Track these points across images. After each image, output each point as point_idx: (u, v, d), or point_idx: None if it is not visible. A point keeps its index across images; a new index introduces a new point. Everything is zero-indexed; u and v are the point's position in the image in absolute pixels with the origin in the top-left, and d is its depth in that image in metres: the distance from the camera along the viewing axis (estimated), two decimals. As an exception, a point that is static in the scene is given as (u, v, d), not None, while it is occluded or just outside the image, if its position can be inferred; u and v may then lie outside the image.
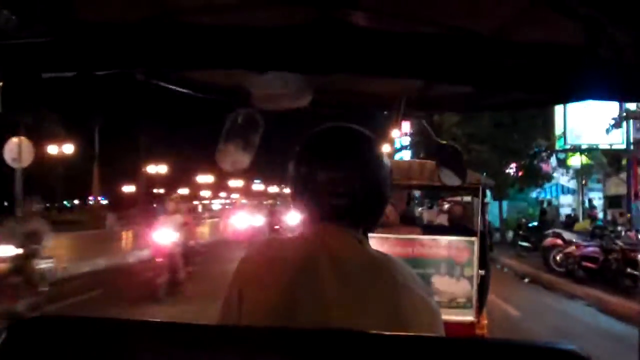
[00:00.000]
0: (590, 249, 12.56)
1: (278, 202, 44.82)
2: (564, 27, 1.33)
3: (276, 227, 24.10)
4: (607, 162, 19.94)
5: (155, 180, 46.03)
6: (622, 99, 1.71)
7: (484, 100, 1.82)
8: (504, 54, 1.39)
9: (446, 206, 13.17)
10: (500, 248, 20.16)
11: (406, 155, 34.66)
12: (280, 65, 1.46)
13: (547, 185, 25.81)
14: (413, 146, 32.85)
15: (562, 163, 24.10)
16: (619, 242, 11.81)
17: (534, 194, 27.58)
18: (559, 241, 14.53)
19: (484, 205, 5.60)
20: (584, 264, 12.30)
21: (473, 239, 5.23)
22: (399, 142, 37.19)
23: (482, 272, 5.15)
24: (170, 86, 1.83)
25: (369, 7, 1.35)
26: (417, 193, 16.49)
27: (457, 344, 0.99)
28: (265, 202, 52.96)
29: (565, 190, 27.05)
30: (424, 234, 5.46)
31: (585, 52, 1.35)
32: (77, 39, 1.29)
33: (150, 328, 1.02)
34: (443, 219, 7.72)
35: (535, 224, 21.34)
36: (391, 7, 1.35)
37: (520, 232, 20.25)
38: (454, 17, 1.36)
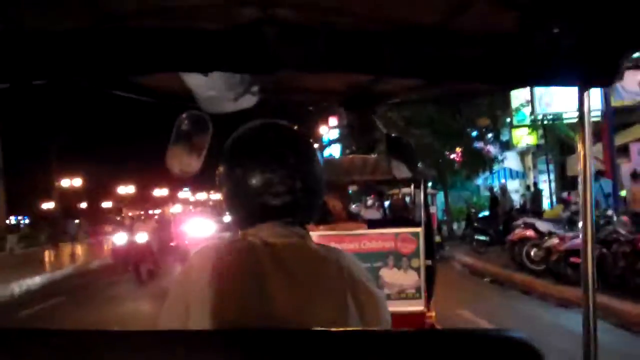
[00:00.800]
0: (579, 241, 10.23)
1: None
2: (500, 17, 1.38)
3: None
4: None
5: (72, 195, 43.27)
6: (559, 84, 1.81)
7: (429, 91, 1.87)
8: (445, 45, 1.42)
9: (369, 202, 12.66)
10: (452, 243, 18.58)
11: (335, 149, 34.79)
12: (223, 66, 1.46)
13: (496, 170, 23.53)
14: (342, 140, 32.40)
15: (505, 146, 22.51)
16: (621, 230, 9.31)
17: (479, 181, 25.80)
18: (531, 233, 12.13)
19: (426, 196, 5.75)
20: (572, 259, 9.54)
21: (418, 230, 5.36)
22: (326, 136, 37.44)
23: (429, 262, 5.28)
24: (116, 92, 1.79)
25: (312, 4, 1.36)
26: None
27: (412, 335, 1.01)
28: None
29: (514, 175, 24.82)
30: (368, 228, 5.55)
31: (521, 40, 1.42)
32: (19, 47, 1.26)
33: (100, 337, 1.02)
34: (373, 215, 7.83)
35: (486, 213, 19.54)
36: (334, 3, 1.36)
37: (475, 225, 17.98)
38: (395, 10, 1.38)
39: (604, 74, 1.51)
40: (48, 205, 45.26)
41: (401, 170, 1.92)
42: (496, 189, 21.50)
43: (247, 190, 1.33)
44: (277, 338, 0.99)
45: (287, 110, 1.83)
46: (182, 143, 1.69)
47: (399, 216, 6.29)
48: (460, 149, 21.48)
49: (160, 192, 72.13)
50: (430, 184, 19.87)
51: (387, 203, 10.36)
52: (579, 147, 1.70)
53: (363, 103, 1.88)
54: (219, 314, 1.23)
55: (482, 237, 16.81)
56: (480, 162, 21.51)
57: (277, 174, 1.32)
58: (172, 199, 76.84)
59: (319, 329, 1.08)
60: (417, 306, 5.21)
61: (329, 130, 34.95)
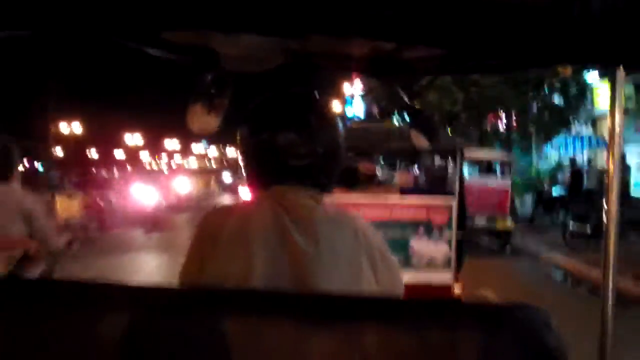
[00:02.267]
0: None
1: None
2: None
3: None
4: None
5: (72, 142, 41.18)
6: (594, 63, 1.77)
7: (457, 63, 1.85)
8: (475, 15, 1.39)
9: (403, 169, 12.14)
10: (519, 227, 13.54)
11: (358, 107, 34.50)
12: (250, 27, 1.48)
13: (564, 137, 18.34)
14: (367, 95, 31.16)
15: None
16: None
17: (546, 148, 20.34)
18: None
19: (461, 166, 5.70)
20: None
21: (451, 200, 5.34)
22: (351, 94, 37.02)
23: (459, 233, 5.28)
24: (140, 47, 1.82)
25: None
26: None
27: (430, 305, 1.03)
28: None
29: (593, 143, 17.65)
30: (401, 196, 5.56)
31: (556, 12, 1.37)
32: None
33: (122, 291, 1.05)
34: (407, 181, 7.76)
35: (561, 192, 15.57)
36: None
37: (568, 208, 12.92)
38: None
39: (638, 53, 1.48)
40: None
41: (420, 141, 1.94)
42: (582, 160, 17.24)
43: (268, 151, 1.38)
44: (301, 301, 1.02)
45: (311, 73, 1.82)
46: (202, 102, 1.75)
47: (434, 185, 6.24)
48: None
49: (171, 143, 69.71)
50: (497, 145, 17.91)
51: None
52: (608, 132, 1.68)
53: (388, 71, 1.89)
54: (242, 270, 1.28)
55: (577, 225, 11.60)
56: (557, 121, 17.18)
57: (299, 136, 1.38)
58: (185, 151, 75.05)
59: (338, 292, 1.13)
60: (444, 278, 5.23)
61: (353, 87, 34.54)
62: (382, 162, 8.32)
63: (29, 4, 1.32)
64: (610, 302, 1.67)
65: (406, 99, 2.03)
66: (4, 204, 3.17)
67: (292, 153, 1.37)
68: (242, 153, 1.45)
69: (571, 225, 11.79)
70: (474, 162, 13.12)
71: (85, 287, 1.05)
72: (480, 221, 11.91)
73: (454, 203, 5.32)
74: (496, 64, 1.86)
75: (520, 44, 1.53)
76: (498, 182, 12.88)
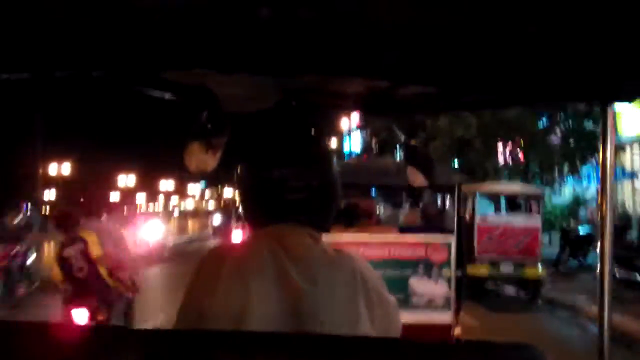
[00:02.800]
0: None
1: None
2: (518, 30, 1.36)
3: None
4: None
5: (61, 183, 39.83)
6: (580, 99, 1.81)
7: (450, 101, 1.88)
8: (468, 54, 1.43)
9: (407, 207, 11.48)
10: (552, 276, 12.00)
11: (356, 143, 34.60)
12: (245, 67, 1.51)
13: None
14: (364, 129, 30.92)
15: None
16: None
17: (566, 181, 18.42)
18: None
19: (459, 202, 5.73)
20: None
21: (450, 238, 5.34)
22: (348, 129, 37.22)
23: (458, 272, 5.26)
24: (138, 87, 1.86)
25: (331, 7, 1.37)
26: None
27: (424, 346, 1.03)
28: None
29: (619, 175, 15.45)
30: (400, 234, 5.56)
31: (547, 50, 1.40)
32: (42, 36, 1.29)
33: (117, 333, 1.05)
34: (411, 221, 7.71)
35: (588, 231, 14.04)
36: (354, 7, 1.40)
37: (621, 253, 10.20)
38: (415, 15, 1.36)
39: (628, 88, 1.52)
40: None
41: (417, 178, 1.95)
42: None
43: (264, 187, 1.40)
44: (301, 342, 1.03)
45: (307, 111, 1.85)
46: (199, 141, 1.76)
47: (432, 224, 6.25)
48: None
49: (166, 184, 67.87)
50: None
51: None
52: (601, 164, 1.70)
53: (383, 109, 1.91)
54: (239, 309, 1.27)
55: (622, 272, 10.38)
56: (585, 148, 15.33)
57: (295, 171, 1.40)
58: (180, 192, 72.94)
59: (335, 334, 1.13)
60: (444, 318, 5.19)
61: (350, 121, 34.92)
62: (383, 200, 8.30)
63: (28, 47, 1.34)
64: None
65: (401, 136, 2.07)
66: None
67: (288, 187, 1.39)
68: (239, 191, 1.48)
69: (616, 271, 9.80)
70: (494, 197, 11.58)
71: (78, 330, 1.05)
72: (505, 268, 10.51)
73: (452, 241, 5.32)
74: (488, 100, 1.89)
75: (511, 82, 1.56)
76: (526, 220, 11.06)
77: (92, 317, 5.12)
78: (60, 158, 38.17)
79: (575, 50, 1.37)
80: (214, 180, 67.50)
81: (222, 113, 1.81)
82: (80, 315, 5.11)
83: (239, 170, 1.46)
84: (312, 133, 1.50)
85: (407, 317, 5.14)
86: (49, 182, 37.67)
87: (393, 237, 5.46)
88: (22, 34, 1.28)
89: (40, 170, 32.53)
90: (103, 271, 5.17)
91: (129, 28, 1.34)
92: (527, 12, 1.24)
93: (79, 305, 5.11)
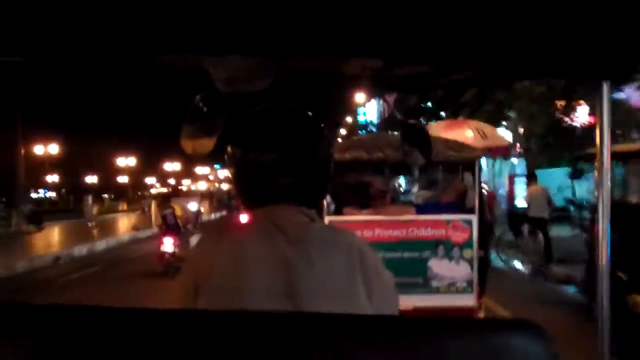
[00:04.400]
0: None
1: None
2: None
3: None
4: None
5: (46, 165, 41.02)
6: (576, 76, 1.98)
7: (447, 78, 1.90)
8: (461, 30, 1.44)
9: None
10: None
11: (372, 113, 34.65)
12: (238, 48, 1.53)
13: None
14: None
15: None
16: None
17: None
18: None
19: (480, 179, 5.54)
20: None
21: (471, 217, 5.18)
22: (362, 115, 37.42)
23: (481, 252, 5.11)
24: (133, 69, 1.90)
25: None
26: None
27: (421, 322, 1.03)
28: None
29: None
30: (417, 213, 5.40)
31: (540, 26, 1.39)
32: (33, 17, 1.31)
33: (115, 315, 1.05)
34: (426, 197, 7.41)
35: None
36: None
37: None
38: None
39: (623, 67, 1.54)
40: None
41: (414, 157, 1.95)
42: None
43: (255, 170, 1.43)
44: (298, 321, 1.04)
45: (303, 92, 1.88)
46: (196, 123, 1.77)
47: (452, 202, 6.07)
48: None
49: (171, 165, 66.27)
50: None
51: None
52: (598, 148, 1.71)
53: (378, 88, 1.94)
54: (236, 292, 1.32)
55: None
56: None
57: (285, 154, 1.42)
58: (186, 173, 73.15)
59: (332, 312, 1.13)
60: (467, 301, 5.07)
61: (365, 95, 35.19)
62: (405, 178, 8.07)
63: (21, 30, 1.36)
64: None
65: (398, 114, 2.04)
66: None
67: (278, 171, 1.42)
68: (231, 173, 1.51)
69: None
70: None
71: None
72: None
73: (474, 219, 5.16)
74: (480, 77, 1.92)
75: (505, 58, 1.59)
76: None
77: (174, 243, 12.29)
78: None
79: (571, 26, 1.37)
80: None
81: (218, 95, 1.79)
82: (168, 242, 12.29)
83: (230, 152, 1.50)
84: (301, 112, 1.51)
85: (427, 301, 5.10)
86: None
87: (410, 216, 5.31)
88: (14, 18, 1.30)
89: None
90: (179, 222, 12.81)
91: (122, 12, 1.34)
92: None
93: (168, 236, 12.33)
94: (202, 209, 29.12)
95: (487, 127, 11.50)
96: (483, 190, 9.64)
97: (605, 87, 1.71)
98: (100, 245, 19.74)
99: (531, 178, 12.27)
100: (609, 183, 1.74)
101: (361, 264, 1.40)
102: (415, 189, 9.41)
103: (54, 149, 38.47)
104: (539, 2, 1.29)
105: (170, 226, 12.51)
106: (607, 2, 1.27)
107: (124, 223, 29.98)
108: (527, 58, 1.59)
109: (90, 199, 36.15)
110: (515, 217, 13.58)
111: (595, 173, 1.79)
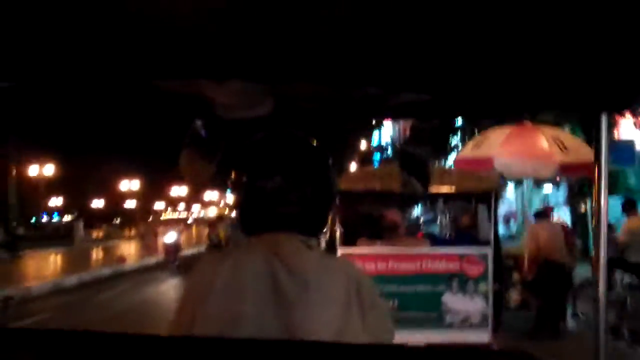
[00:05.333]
0: None
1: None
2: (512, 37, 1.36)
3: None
4: None
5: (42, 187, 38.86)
6: (573, 109, 1.95)
7: (445, 107, 1.94)
8: (459, 62, 1.45)
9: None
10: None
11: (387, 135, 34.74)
12: (238, 74, 1.55)
13: None
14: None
15: None
16: None
17: None
18: None
19: (496, 211, 5.52)
20: None
21: (486, 250, 5.15)
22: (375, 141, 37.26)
23: (496, 286, 5.06)
24: (133, 96, 1.90)
25: (322, 14, 1.38)
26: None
27: (414, 352, 1.04)
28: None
29: None
30: (432, 246, 5.38)
31: (539, 58, 1.40)
32: (35, 45, 1.33)
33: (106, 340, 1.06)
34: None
35: None
36: (347, 15, 1.38)
37: None
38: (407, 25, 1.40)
39: (622, 98, 1.54)
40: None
41: (412, 186, 1.95)
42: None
43: (258, 197, 1.43)
44: (293, 349, 1.06)
45: (303, 119, 1.90)
46: (195, 148, 1.80)
47: (465, 234, 6.03)
48: None
49: (178, 190, 63.10)
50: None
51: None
52: (595, 182, 1.71)
53: (377, 114, 1.92)
54: (232, 321, 1.32)
55: None
56: None
57: (287, 182, 1.42)
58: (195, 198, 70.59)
59: (326, 340, 1.17)
60: (481, 336, 5.00)
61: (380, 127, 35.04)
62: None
63: (17, 55, 1.38)
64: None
65: (400, 141, 2.04)
66: None
67: (281, 200, 1.42)
68: (232, 198, 1.52)
69: None
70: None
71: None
72: None
73: (489, 252, 5.13)
74: (481, 109, 1.97)
75: (504, 91, 1.61)
76: None
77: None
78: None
79: (570, 59, 1.39)
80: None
81: (218, 121, 1.81)
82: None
83: (232, 178, 1.50)
84: (306, 140, 1.51)
85: (441, 337, 5.05)
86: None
87: (425, 249, 5.29)
88: (21, 40, 1.32)
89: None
90: (221, 234, 16.32)
91: (123, 37, 1.36)
92: (521, 21, 1.25)
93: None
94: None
95: (567, 137, 8.12)
96: (561, 225, 9.04)
97: (604, 119, 1.69)
98: (71, 280, 16.31)
99: (631, 208, 8.82)
100: (606, 216, 1.72)
101: (358, 294, 1.41)
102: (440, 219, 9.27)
103: (49, 170, 36.97)
104: (537, 36, 1.30)
105: (212, 240, 16.32)
106: (604, 33, 1.28)
107: (115, 252, 27.16)
108: (527, 90, 1.59)
109: (81, 224, 36.09)
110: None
111: None
